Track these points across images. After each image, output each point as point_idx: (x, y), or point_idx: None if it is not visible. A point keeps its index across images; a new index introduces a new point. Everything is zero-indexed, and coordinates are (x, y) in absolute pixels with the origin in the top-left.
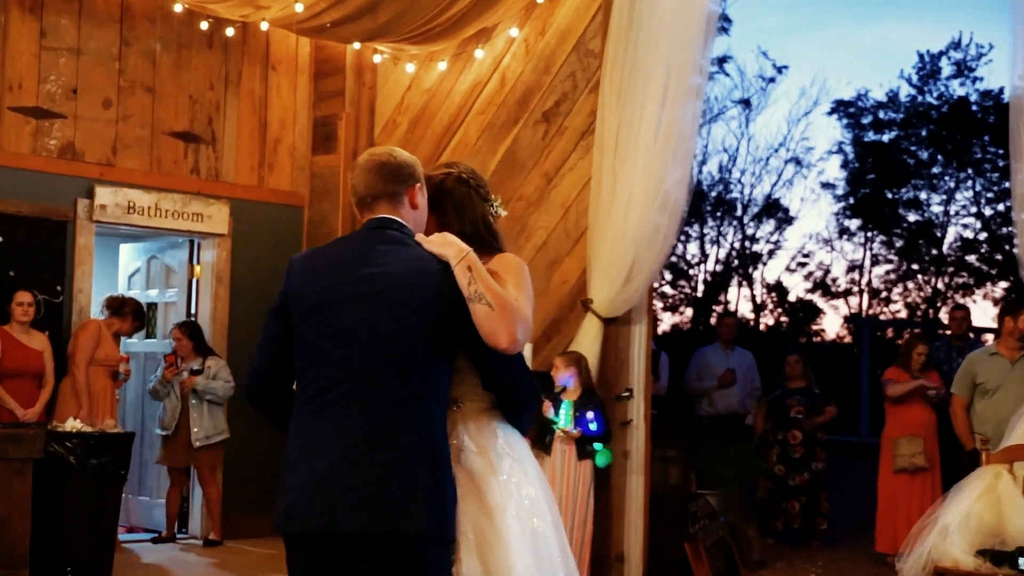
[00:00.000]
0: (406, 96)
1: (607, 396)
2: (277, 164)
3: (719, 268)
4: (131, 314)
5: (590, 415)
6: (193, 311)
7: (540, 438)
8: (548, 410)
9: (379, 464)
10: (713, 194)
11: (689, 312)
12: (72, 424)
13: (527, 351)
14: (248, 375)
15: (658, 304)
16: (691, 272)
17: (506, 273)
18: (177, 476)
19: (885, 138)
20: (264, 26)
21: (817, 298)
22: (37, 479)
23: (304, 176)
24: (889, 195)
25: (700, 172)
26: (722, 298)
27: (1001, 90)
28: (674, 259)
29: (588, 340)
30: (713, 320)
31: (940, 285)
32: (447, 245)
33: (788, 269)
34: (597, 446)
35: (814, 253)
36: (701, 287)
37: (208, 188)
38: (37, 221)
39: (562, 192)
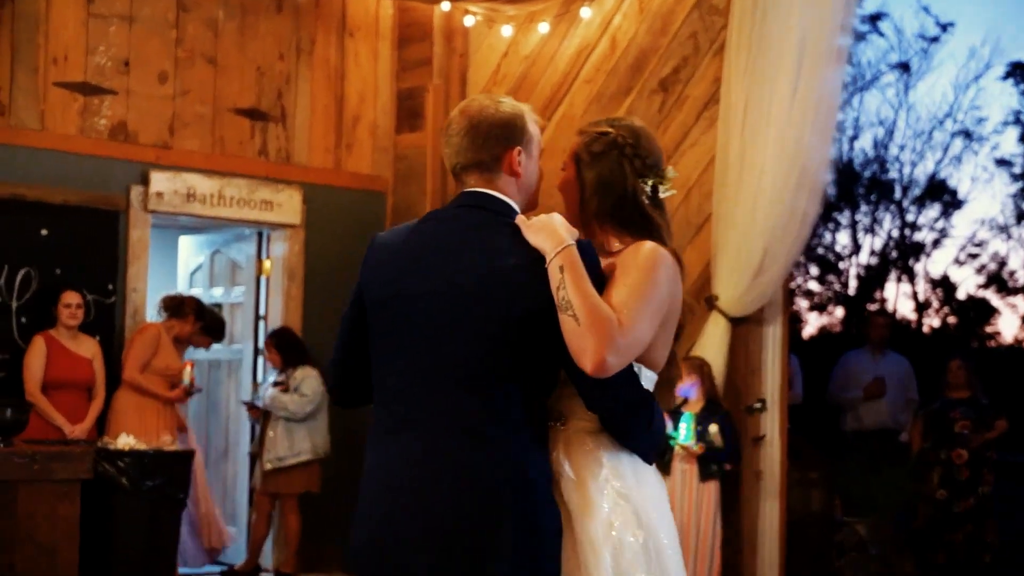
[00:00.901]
0: (502, 64)
1: (735, 408)
2: (356, 144)
3: (874, 261)
4: (193, 313)
5: (714, 429)
6: (263, 312)
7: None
8: (667, 424)
9: (451, 495)
10: (867, 174)
11: (839, 312)
12: (125, 441)
13: None
14: (329, 374)
15: (802, 303)
16: (841, 266)
17: (626, 271)
18: (262, 502)
19: None
20: None
21: (991, 295)
22: (86, 502)
23: (387, 158)
24: None
25: (850, 149)
26: (878, 296)
27: None
28: (821, 251)
29: (713, 343)
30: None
31: None
32: (547, 234)
33: (956, 261)
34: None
35: (987, 242)
36: (853, 283)
37: (278, 172)
38: (85, 211)
39: (682, 172)
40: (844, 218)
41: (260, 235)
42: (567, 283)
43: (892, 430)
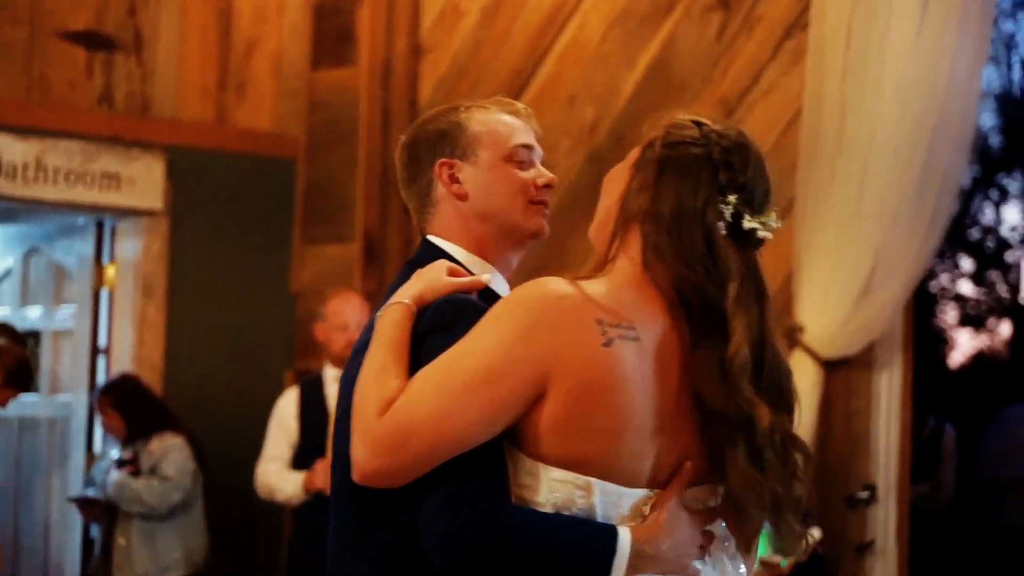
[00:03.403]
0: None
1: (829, 498)
2: (250, 85)
3: None
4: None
5: (816, 533)
6: (102, 343)
7: None
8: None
9: None
10: None
11: (1006, 329)
12: None
13: None
14: None
15: (949, 315)
16: (1009, 258)
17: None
18: None
19: None
20: None
21: None
22: None
23: (298, 106)
24: None
25: None
26: None
27: None
28: (976, 235)
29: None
30: None
31: None
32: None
33: None
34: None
35: None
36: None
37: (129, 130)
38: None
39: (752, 133)
40: (1014, 185)
41: (100, 227)
42: (368, 356)
43: None
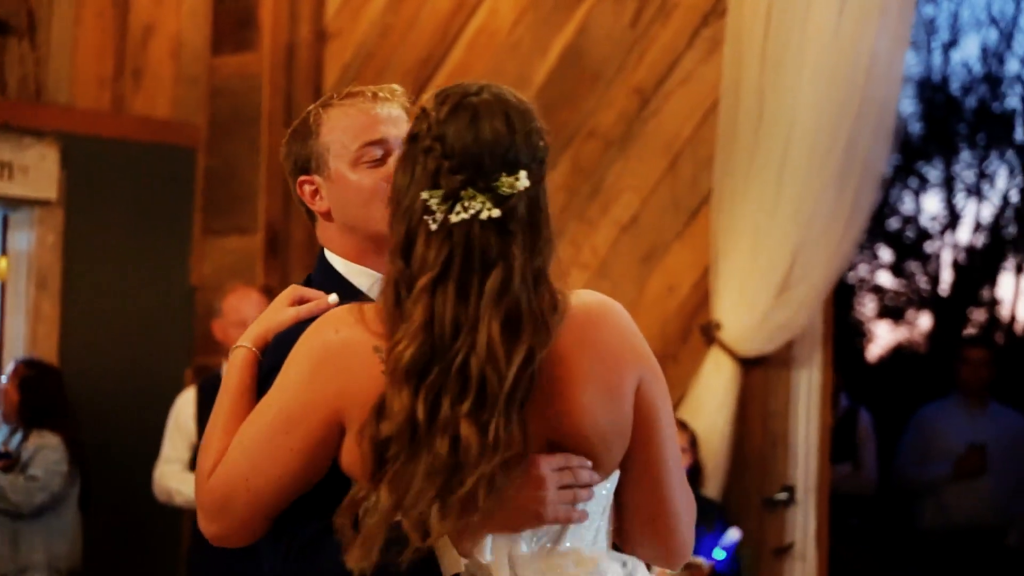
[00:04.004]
0: None
1: (746, 500)
2: (148, 71)
3: (981, 240)
4: None
5: (734, 534)
6: None
7: None
8: None
9: None
10: (970, 103)
11: (926, 321)
12: None
13: None
14: None
15: (867, 306)
16: (929, 248)
17: None
18: None
19: None
20: None
21: None
22: None
23: (198, 93)
24: None
25: (945, 64)
26: (986, 295)
27: None
28: (896, 224)
29: (712, 396)
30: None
31: None
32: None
33: None
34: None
35: None
36: (948, 274)
37: (22, 116)
38: None
39: (668, 124)
40: (933, 173)
41: None
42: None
43: (995, 528)
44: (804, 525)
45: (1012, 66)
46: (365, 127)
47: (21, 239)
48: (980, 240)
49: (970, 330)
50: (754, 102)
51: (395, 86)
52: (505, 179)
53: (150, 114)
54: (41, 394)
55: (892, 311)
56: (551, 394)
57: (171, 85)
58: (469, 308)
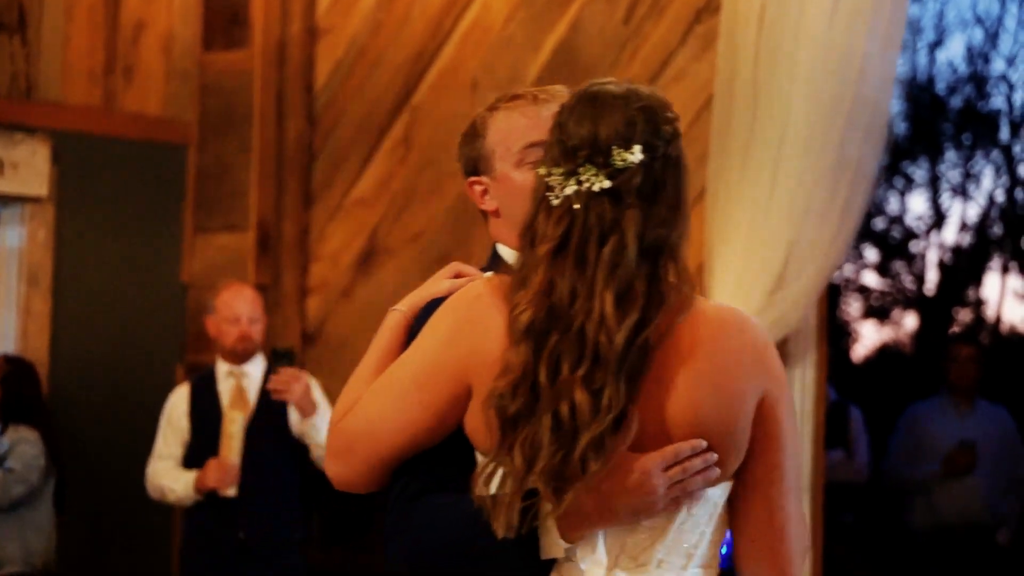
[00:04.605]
0: None
1: None
2: (139, 68)
3: (967, 240)
4: None
5: None
6: None
7: None
8: None
9: None
10: (956, 103)
11: (912, 321)
12: None
13: None
14: None
15: (853, 307)
16: (914, 248)
17: None
18: None
19: None
20: None
21: None
22: None
23: (189, 89)
24: None
25: (931, 64)
26: (972, 295)
27: None
28: (882, 224)
29: None
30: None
31: None
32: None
33: None
34: None
35: None
36: (934, 274)
37: (13, 113)
38: None
39: None
40: (919, 173)
41: None
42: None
43: (986, 526)
44: None
45: (997, 66)
46: (527, 129)
47: (12, 236)
48: (966, 240)
49: (955, 330)
50: (748, 99)
51: (558, 87)
52: (618, 152)
53: (141, 111)
54: (21, 390)
55: (878, 311)
56: (666, 384)
57: (162, 82)
58: (586, 277)
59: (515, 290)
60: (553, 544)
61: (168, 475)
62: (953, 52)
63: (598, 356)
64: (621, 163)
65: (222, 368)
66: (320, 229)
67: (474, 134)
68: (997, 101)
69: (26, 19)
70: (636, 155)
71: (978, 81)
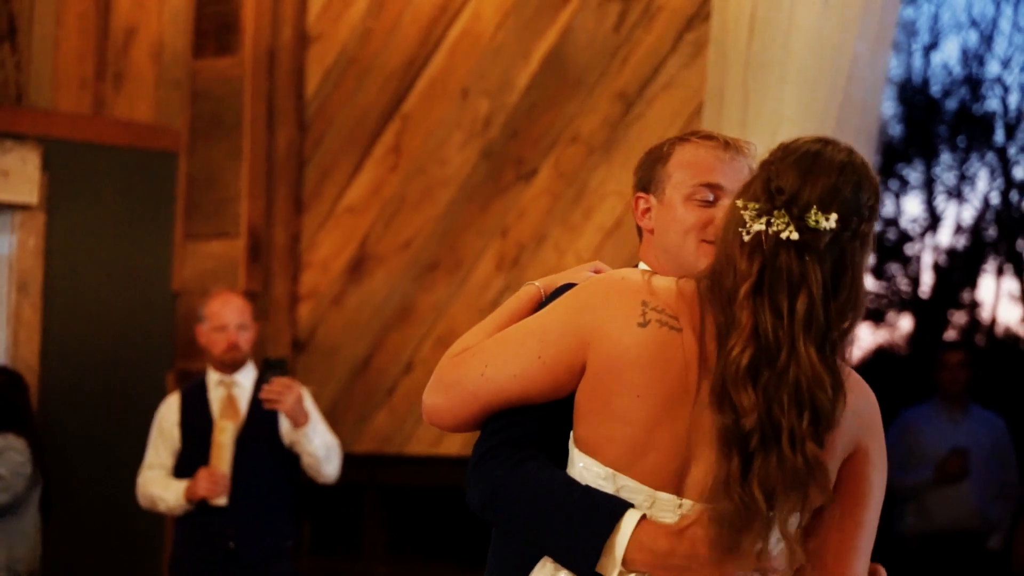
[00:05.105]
0: None
1: None
2: (129, 74)
3: (962, 242)
4: None
5: None
6: None
7: None
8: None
9: None
10: (951, 106)
11: (907, 324)
12: None
13: None
14: None
15: None
16: (909, 250)
17: None
18: None
19: None
20: None
21: None
22: None
23: (180, 96)
24: None
25: (925, 66)
26: (966, 297)
27: None
28: (877, 226)
29: None
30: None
31: None
32: None
33: None
34: None
35: None
36: (929, 277)
37: (3, 120)
38: None
39: (651, 129)
40: (914, 175)
41: None
42: None
43: (978, 532)
44: None
45: (992, 68)
46: (707, 168)
47: (2, 243)
48: (961, 242)
49: (951, 332)
50: (738, 106)
51: (751, 142)
52: (815, 212)
53: (132, 118)
54: (10, 398)
55: (873, 313)
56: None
57: (153, 89)
58: (784, 325)
59: (685, 303)
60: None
61: (159, 484)
62: (948, 54)
63: (817, 412)
64: (814, 223)
65: (212, 377)
66: (311, 236)
67: (659, 155)
68: (992, 103)
69: (16, 26)
70: (830, 223)
71: (973, 83)
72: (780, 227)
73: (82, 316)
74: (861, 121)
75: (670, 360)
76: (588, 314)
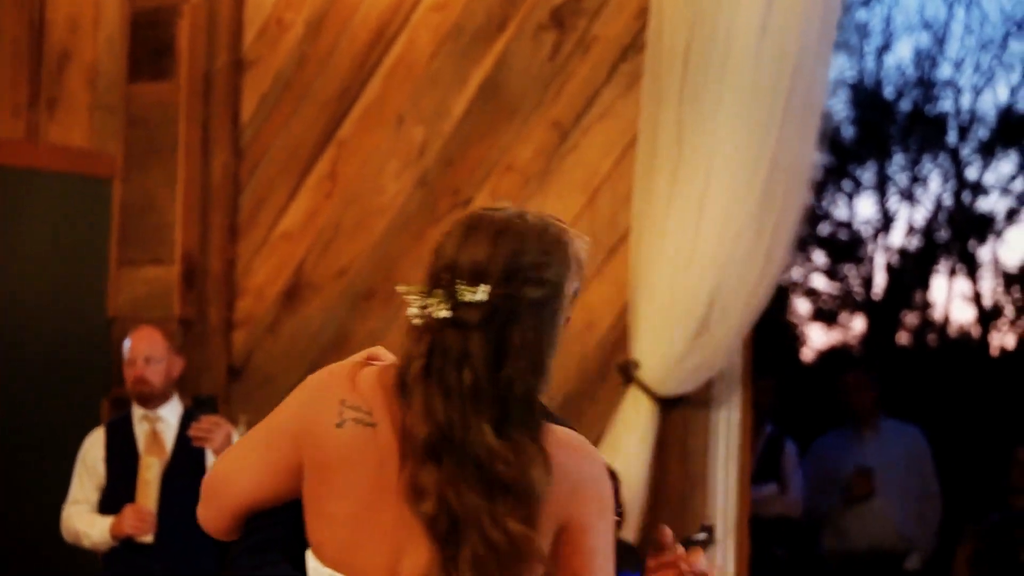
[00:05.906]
0: None
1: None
2: (63, 99)
3: (914, 243)
4: None
5: None
6: None
7: None
8: None
9: None
10: (903, 107)
11: (860, 325)
12: None
13: None
14: None
15: (802, 307)
16: (862, 251)
17: None
18: None
19: None
20: None
21: None
22: None
23: (115, 121)
24: None
25: (878, 68)
26: (919, 298)
27: None
28: (829, 228)
29: (631, 437)
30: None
31: None
32: None
33: None
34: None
35: None
36: (882, 278)
37: None
38: None
39: (586, 160)
40: (867, 176)
41: None
42: None
43: (894, 552)
44: (724, 565)
45: (945, 70)
46: None
47: None
48: (913, 243)
49: (903, 333)
50: (673, 138)
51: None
52: (463, 288)
53: (65, 143)
54: None
55: (826, 314)
56: None
57: (87, 114)
58: (454, 403)
59: (383, 395)
60: None
61: (83, 520)
62: (901, 56)
63: (508, 487)
64: (464, 297)
65: (137, 412)
66: (246, 263)
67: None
68: (945, 105)
69: None
70: (479, 294)
71: (926, 85)
72: (433, 306)
73: (16, 342)
74: (796, 159)
75: (366, 457)
76: (299, 414)
